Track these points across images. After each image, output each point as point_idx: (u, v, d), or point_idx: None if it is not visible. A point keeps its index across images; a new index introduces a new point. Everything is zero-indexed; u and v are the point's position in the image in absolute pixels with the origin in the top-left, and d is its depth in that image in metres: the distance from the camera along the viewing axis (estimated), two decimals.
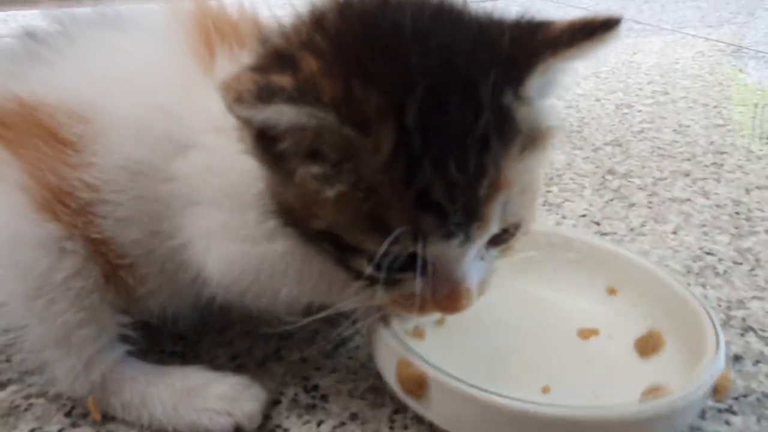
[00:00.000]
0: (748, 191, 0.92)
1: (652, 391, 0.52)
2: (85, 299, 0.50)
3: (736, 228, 0.82)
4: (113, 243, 0.50)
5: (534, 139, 0.40)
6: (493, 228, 0.41)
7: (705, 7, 2.21)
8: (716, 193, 0.91)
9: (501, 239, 0.44)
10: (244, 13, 0.53)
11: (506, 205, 0.40)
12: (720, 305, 0.67)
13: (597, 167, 0.99)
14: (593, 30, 0.39)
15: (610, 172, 0.98)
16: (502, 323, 0.59)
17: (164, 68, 0.49)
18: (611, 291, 0.62)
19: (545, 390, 0.53)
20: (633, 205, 0.88)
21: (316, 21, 0.41)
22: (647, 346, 0.58)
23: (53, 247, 0.49)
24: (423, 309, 0.44)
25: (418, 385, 0.47)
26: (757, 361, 0.59)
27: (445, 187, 0.37)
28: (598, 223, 0.83)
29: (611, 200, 0.89)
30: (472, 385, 0.45)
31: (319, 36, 0.39)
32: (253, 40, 0.47)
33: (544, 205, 0.87)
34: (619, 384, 0.53)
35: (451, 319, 0.56)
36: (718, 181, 0.95)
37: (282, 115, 0.36)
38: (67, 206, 0.49)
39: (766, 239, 0.80)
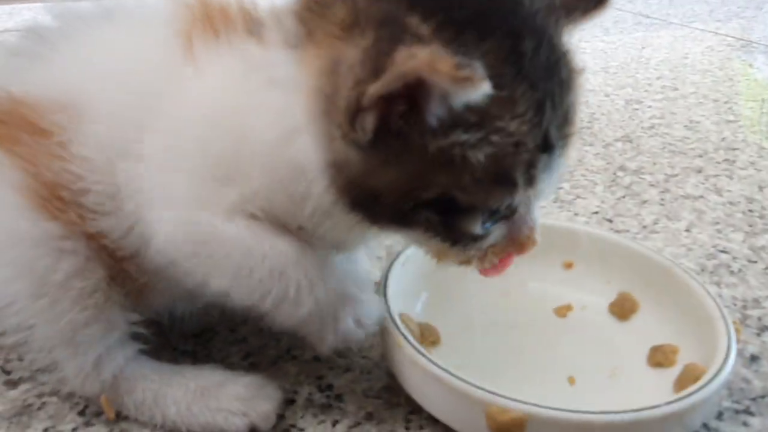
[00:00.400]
0: (761, 188, 0.91)
1: (660, 350, 0.55)
2: (88, 299, 0.49)
3: (750, 226, 0.82)
4: (107, 235, 0.49)
5: (580, 77, 0.43)
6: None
7: (713, 1, 2.20)
8: (729, 191, 0.90)
9: None
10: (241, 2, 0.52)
11: None
12: (735, 304, 0.67)
13: (608, 163, 0.98)
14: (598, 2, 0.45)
15: (622, 168, 0.97)
16: (488, 319, 0.61)
17: (146, 57, 0.48)
18: (567, 265, 0.65)
19: (571, 381, 0.54)
20: (645, 202, 0.87)
21: None
22: (623, 309, 0.61)
23: (51, 246, 0.48)
24: (507, 252, 0.47)
25: (516, 427, 0.44)
26: None
27: (557, 127, 0.41)
28: (610, 221, 0.82)
29: (623, 197, 0.88)
30: (558, 409, 0.44)
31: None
32: (249, 27, 0.46)
33: (555, 201, 0.86)
34: (619, 352, 0.57)
35: (449, 325, 0.58)
36: (730, 177, 0.94)
37: (484, 90, 0.35)
38: (62, 201, 0.48)
39: None
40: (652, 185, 0.92)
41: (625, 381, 0.53)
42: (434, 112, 0.37)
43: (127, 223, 0.48)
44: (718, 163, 0.99)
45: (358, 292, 0.48)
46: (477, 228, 0.43)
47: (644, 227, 0.81)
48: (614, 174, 0.95)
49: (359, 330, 0.48)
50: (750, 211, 0.85)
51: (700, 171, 0.96)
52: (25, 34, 0.55)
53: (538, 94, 0.39)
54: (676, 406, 0.44)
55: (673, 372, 0.53)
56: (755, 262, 0.74)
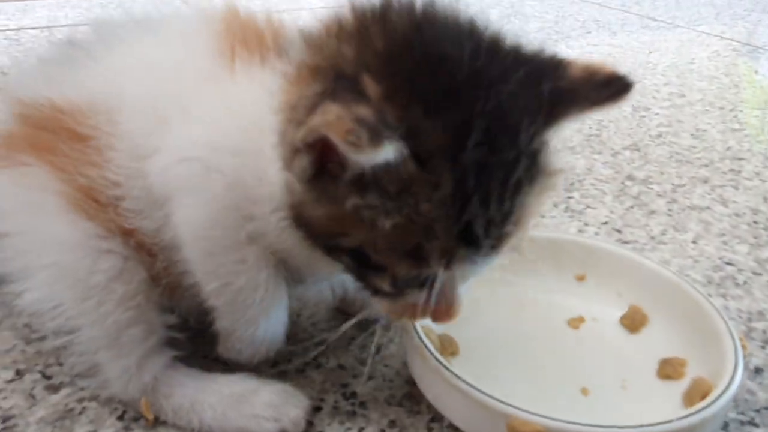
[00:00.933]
0: (765, 200, 0.94)
1: (669, 363, 0.58)
2: (131, 300, 0.52)
3: (755, 238, 0.84)
4: (142, 231, 0.52)
5: (549, 179, 0.43)
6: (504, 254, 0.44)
7: (719, 3, 2.21)
8: (735, 201, 0.93)
9: None
10: (271, 21, 0.54)
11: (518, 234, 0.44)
12: (741, 317, 0.69)
13: (616, 173, 1.01)
14: (614, 93, 0.42)
15: (630, 177, 0.99)
16: (504, 330, 0.63)
17: (180, 66, 0.51)
18: (579, 278, 0.68)
19: (584, 392, 0.56)
20: (653, 212, 0.90)
21: (362, 35, 0.41)
22: (634, 322, 0.64)
23: (90, 246, 0.51)
24: (417, 316, 0.47)
25: None
26: None
27: (485, 222, 0.40)
28: (619, 231, 0.85)
29: (631, 207, 0.91)
30: (578, 423, 0.47)
31: (367, 54, 0.40)
32: (278, 47, 0.49)
33: (566, 211, 0.89)
34: (630, 364, 0.59)
35: (467, 336, 0.60)
36: (736, 188, 0.97)
37: (386, 155, 0.36)
38: (99, 203, 0.51)
39: None
40: (659, 195, 0.94)
41: (636, 393, 0.56)
42: (351, 169, 0.38)
43: (158, 218, 0.50)
44: (724, 173, 1.02)
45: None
46: (386, 287, 0.45)
47: (652, 238, 0.84)
48: (623, 183, 0.97)
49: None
50: (755, 222, 0.88)
51: (706, 181, 0.99)
52: (65, 44, 0.57)
53: (466, 187, 0.38)
54: (687, 422, 0.47)
55: (682, 384, 0.56)
56: (760, 274, 0.77)
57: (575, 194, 0.94)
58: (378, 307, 0.48)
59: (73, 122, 0.50)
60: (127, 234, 0.52)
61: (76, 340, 0.53)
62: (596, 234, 0.84)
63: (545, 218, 0.87)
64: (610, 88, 0.42)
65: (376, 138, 0.35)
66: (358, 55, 0.40)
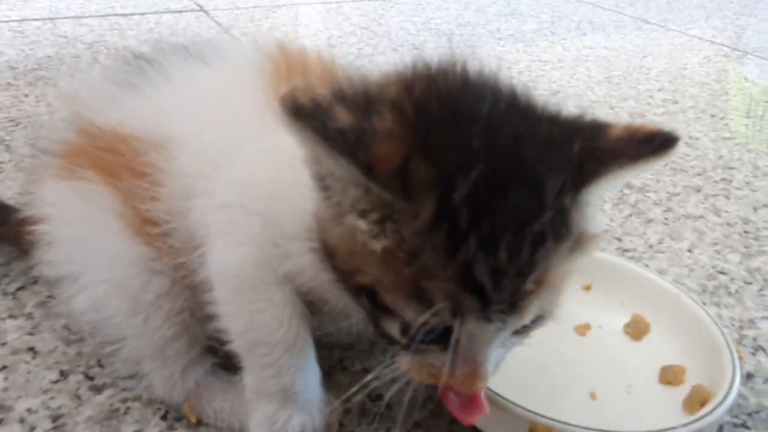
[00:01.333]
0: (755, 209, 0.99)
1: (670, 370, 0.63)
2: (176, 317, 0.55)
3: (746, 247, 0.90)
4: (185, 268, 0.55)
5: (581, 243, 0.42)
6: (528, 320, 0.42)
7: (709, 6, 2.26)
8: (726, 211, 0.98)
9: (524, 328, 0.44)
10: (322, 60, 0.57)
11: (543, 300, 0.41)
12: (733, 324, 0.75)
13: None
14: (657, 147, 0.41)
15: (628, 185, 1.04)
16: None
17: (232, 107, 0.53)
18: (586, 287, 0.72)
19: (593, 396, 0.61)
20: (650, 221, 0.94)
21: (407, 85, 0.43)
22: (637, 330, 0.68)
23: (144, 267, 0.54)
24: (439, 380, 0.44)
25: None
26: (767, 380, 0.67)
27: (490, 270, 0.38)
28: (619, 239, 0.90)
29: (630, 215, 0.96)
30: (596, 429, 0.51)
31: (406, 100, 0.41)
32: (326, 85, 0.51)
33: None
34: (633, 370, 0.64)
35: None
36: (727, 197, 1.02)
37: (305, 137, 0.37)
38: (152, 234, 0.54)
39: None
40: (656, 204, 0.99)
41: (640, 397, 0.61)
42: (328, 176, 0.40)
43: (198, 258, 0.53)
44: (716, 182, 1.07)
45: (306, 403, 0.53)
46: (396, 334, 0.43)
47: (650, 246, 0.88)
48: (621, 191, 1.02)
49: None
50: (746, 232, 0.93)
51: (699, 190, 1.04)
52: (126, 64, 0.60)
53: (457, 222, 0.38)
54: (689, 428, 0.51)
55: (682, 390, 0.61)
56: (750, 283, 0.82)
57: None
58: (402, 365, 0.46)
59: (132, 154, 0.53)
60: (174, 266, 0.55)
61: (123, 348, 0.57)
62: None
63: None
64: (652, 143, 0.41)
65: (299, 116, 0.36)
66: (398, 97, 0.41)
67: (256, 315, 0.50)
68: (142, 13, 1.76)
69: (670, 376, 0.63)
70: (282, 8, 1.92)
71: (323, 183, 0.41)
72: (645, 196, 1.01)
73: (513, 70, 1.51)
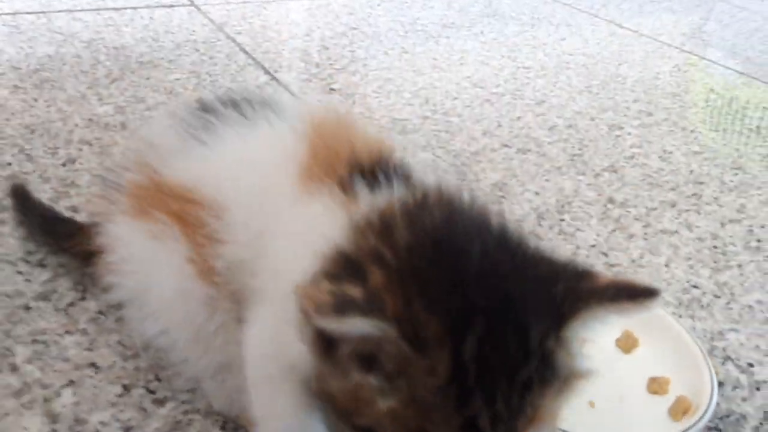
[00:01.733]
0: (722, 225, 1.11)
1: (656, 381, 0.73)
2: (233, 345, 0.62)
3: (715, 262, 1.01)
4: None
5: (568, 381, 0.43)
6: None
7: (678, 9, 2.38)
8: (698, 226, 1.09)
9: None
10: (367, 137, 0.58)
11: None
12: (705, 336, 0.86)
13: (599, 195, 1.16)
14: (636, 294, 0.43)
15: (611, 200, 1.14)
16: None
17: (271, 183, 0.55)
18: None
19: (591, 405, 0.71)
20: (632, 236, 1.05)
21: (385, 229, 0.45)
22: (627, 344, 0.78)
23: (209, 304, 0.61)
24: None
25: None
26: (735, 387, 0.78)
27: (490, 418, 0.40)
28: (606, 254, 1.00)
29: (614, 231, 1.06)
30: None
31: (386, 248, 0.43)
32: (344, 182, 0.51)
33: (559, 234, 1.03)
34: (625, 381, 0.73)
35: None
36: (698, 213, 1.13)
37: (354, 327, 0.38)
38: (216, 278, 0.60)
39: (738, 274, 0.98)
40: (636, 219, 1.10)
41: (632, 406, 0.71)
42: (343, 343, 0.41)
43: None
44: (688, 197, 1.18)
45: None
46: None
47: (633, 261, 0.99)
48: (605, 206, 1.12)
49: None
50: (714, 247, 1.05)
51: (674, 205, 1.15)
52: (196, 115, 0.64)
53: (467, 379, 0.39)
54: None
55: (666, 400, 0.71)
56: (719, 296, 0.93)
57: (566, 216, 1.08)
58: None
59: (191, 206, 0.58)
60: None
61: (185, 368, 0.64)
62: (587, 257, 0.99)
63: (543, 240, 1.01)
64: (634, 290, 0.43)
65: (342, 309, 0.38)
66: (376, 246, 0.43)
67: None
68: (135, 8, 1.77)
69: (656, 386, 0.73)
70: (272, 4, 1.95)
71: (326, 352, 0.42)
72: (626, 211, 1.12)
73: (500, 77, 1.60)
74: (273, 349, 0.51)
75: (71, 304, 0.79)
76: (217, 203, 0.57)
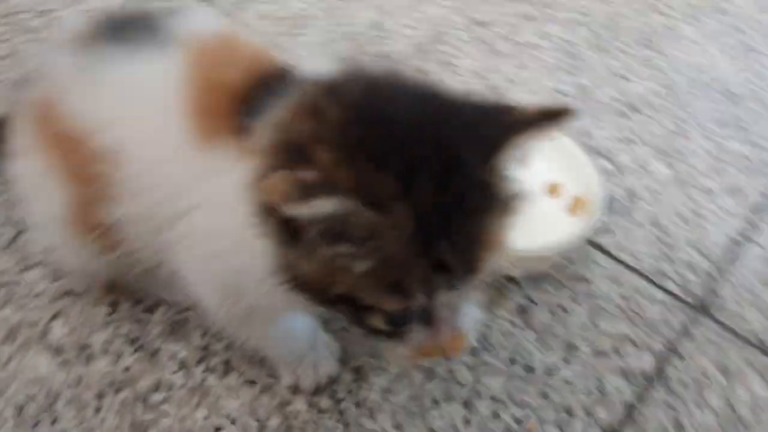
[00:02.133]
0: (572, 30, 1.24)
1: (553, 186, 0.88)
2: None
3: (574, 68, 1.16)
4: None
5: (508, 205, 0.47)
6: (483, 276, 0.48)
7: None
8: (553, 36, 1.22)
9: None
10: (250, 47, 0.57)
11: (491, 258, 0.47)
12: (581, 136, 1.02)
13: (463, 17, 1.23)
14: (552, 116, 0.46)
15: (475, 22, 1.23)
16: None
17: (164, 119, 0.52)
18: None
19: None
20: (501, 54, 1.16)
21: (313, 111, 0.46)
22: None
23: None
24: (430, 354, 0.51)
25: None
26: (610, 175, 0.97)
27: (452, 251, 0.44)
28: (485, 77, 1.11)
29: (486, 53, 1.16)
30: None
31: (321, 126, 0.45)
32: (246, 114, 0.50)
33: (439, 65, 1.12)
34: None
35: None
36: (554, 22, 1.26)
37: (322, 208, 0.41)
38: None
39: (593, 75, 1.15)
40: (502, 37, 1.20)
41: (540, 209, 0.87)
42: (311, 225, 0.43)
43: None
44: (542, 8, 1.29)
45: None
46: (382, 325, 0.48)
47: (510, 81, 1.11)
48: (471, 28, 1.21)
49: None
50: (569, 52, 1.19)
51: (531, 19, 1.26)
52: (92, 37, 0.57)
53: (429, 223, 0.43)
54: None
55: (564, 200, 0.87)
56: (580, 97, 1.10)
57: (445, 47, 1.16)
58: (394, 357, 0.53)
59: (81, 155, 0.55)
60: None
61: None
62: (471, 84, 1.09)
63: (429, 73, 1.09)
64: (549, 114, 0.46)
65: (306, 194, 0.40)
66: (313, 129, 0.45)
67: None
68: None
69: (553, 190, 0.89)
70: None
71: (292, 237, 0.45)
72: (492, 31, 1.22)
73: None
74: (219, 279, 0.55)
75: (14, 240, 0.77)
76: (109, 152, 0.54)
